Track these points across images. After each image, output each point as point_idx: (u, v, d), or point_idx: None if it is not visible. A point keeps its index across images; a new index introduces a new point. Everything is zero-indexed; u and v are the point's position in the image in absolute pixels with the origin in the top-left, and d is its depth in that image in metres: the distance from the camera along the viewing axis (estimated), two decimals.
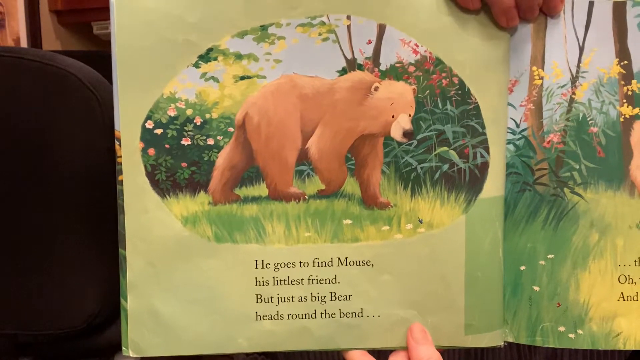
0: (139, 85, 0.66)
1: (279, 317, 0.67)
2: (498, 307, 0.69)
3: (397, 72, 0.67)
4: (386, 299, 0.68)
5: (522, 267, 0.69)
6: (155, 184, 0.67)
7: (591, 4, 0.68)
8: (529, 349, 0.82)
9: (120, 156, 0.66)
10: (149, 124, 0.66)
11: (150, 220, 0.67)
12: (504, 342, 0.70)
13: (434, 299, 0.68)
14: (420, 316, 0.68)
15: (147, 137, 0.66)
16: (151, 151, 0.66)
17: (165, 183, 0.67)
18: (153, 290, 0.67)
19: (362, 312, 0.68)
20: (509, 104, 0.69)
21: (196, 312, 0.67)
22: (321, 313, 0.67)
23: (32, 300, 0.97)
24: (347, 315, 0.68)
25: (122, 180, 0.66)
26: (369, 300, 0.68)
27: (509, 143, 0.69)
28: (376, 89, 0.67)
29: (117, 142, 0.65)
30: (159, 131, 0.67)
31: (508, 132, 0.69)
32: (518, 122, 0.69)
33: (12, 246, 0.95)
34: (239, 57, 0.67)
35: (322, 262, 0.67)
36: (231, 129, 0.67)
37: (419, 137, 0.67)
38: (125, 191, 0.66)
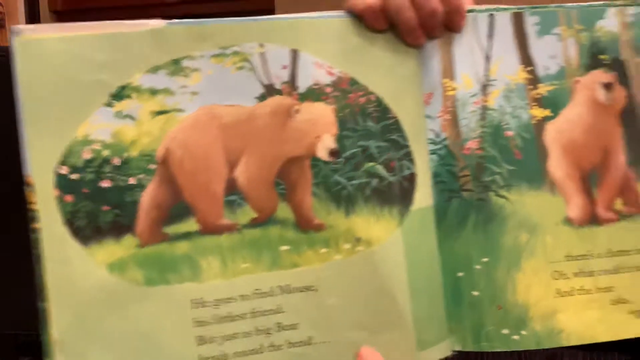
0: (48, 130, 0.49)
1: (225, 358, 0.50)
2: (442, 316, 0.54)
3: (315, 94, 0.53)
4: (334, 323, 0.52)
5: (460, 274, 0.55)
6: (76, 232, 0.49)
7: (491, 16, 0.58)
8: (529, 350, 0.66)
9: (35, 202, 0.50)
10: (64, 170, 0.49)
11: (73, 270, 0.49)
12: (453, 351, 0.58)
13: (383, 317, 0.52)
14: (371, 336, 0.52)
15: (63, 183, 0.49)
16: (68, 198, 0.50)
17: (86, 230, 0.49)
18: (84, 346, 0.48)
19: (310, 340, 0.51)
20: (427, 116, 0.56)
21: None
22: (268, 347, 0.51)
23: (32, 301, 0.74)
24: (296, 345, 0.51)
25: (38, 229, 0.50)
26: (316, 326, 0.51)
27: (432, 153, 0.56)
28: (297, 111, 0.54)
29: (29, 188, 0.49)
30: (75, 176, 0.50)
31: (429, 143, 0.56)
32: (438, 133, 0.58)
33: (12, 246, 0.73)
34: (153, 92, 0.52)
35: (263, 293, 0.51)
36: (153, 166, 0.50)
37: (345, 154, 0.53)
38: (43, 240, 0.50)
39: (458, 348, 0.55)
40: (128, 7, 2.23)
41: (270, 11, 1.60)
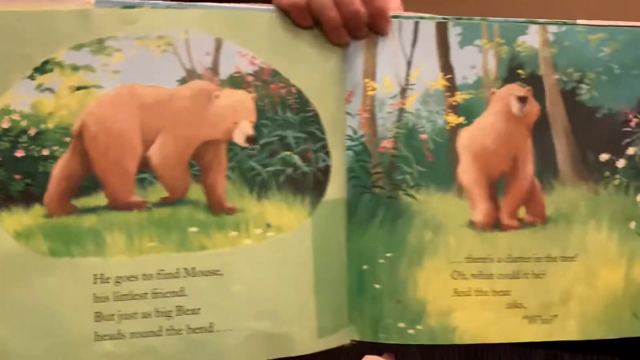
0: None
1: (121, 337, 0.46)
2: (344, 306, 0.51)
3: (236, 82, 0.49)
4: (238, 310, 0.48)
5: (365, 267, 0.52)
6: None
7: (416, 24, 0.55)
8: (529, 349, 0.63)
9: None
10: None
11: None
12: (352, 340, 0.55)
13: (287, 306, 0.49)
14: (274, 327, 0.49)
15: None
16: None
17: None
18: None
19: (212, 327, 0.47)
20: (348, 113, 0.52)
21: (31, 336, 0.45)
22: (167, 330, 0.47)
23: None
24: (196, 330, 0.47)
25: None
26: (219, 313, 0.47)
27: (348, 149, 0.52)
28: (217, 97, 0.49)
29: None
30: None
31: (347, 139, 0.52)
32: (356, 130, 0.55)
33: None
34: (75, 68, 0.47)
35: (167, 274, 0.47)
36: (67, 139, 0.46)
37: (261, 142, 0.49)
38: None
39: (357, 338, 0.52)
40: None
41: None
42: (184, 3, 0.49)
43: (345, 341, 0.52)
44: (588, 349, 0.62)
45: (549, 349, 0.61)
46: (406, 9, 0.55)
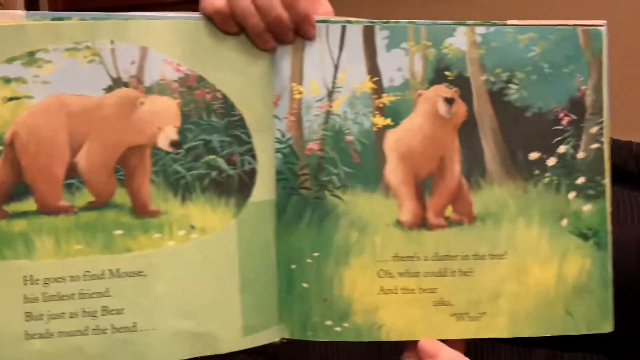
0: None
1: (49, 336, 0.44)
2: (273, 305, 0.48)
3: (161, 89, 0.46)
4: (161, 310, 0.45)
5: (293, 266, 0.49)
6: None
7: (343, 28, 0.52)
8: (529, 349, 0.58)
9: None
10: None
11: None
12: (282, 338, 0.52)
13: (211, 306, 0.46)
14: (197, 325, 0.46)
15: None
16: None
17: None
18: None
19: (135, 326, 0.45)
20: (276, 117, 0.49)
21: None
22: (93, 329, 0.45)
23: None
24: (120, 330, 0.45)
25: None
26: (142, 312, 0.45)
27: (277, 151, 0.49)
28: (142, 103, 0.47)
29: None
30: None
31: (276, 141, 0.49)
32: (284, 133, 0.52)
33: None
34: (7, 80, 0.44)
35: (93, 275, 0.45)
36: (0, 148, 0.45)
37: (186, 146, 0.46)
38: None
39: (287, 336, 0.49)
40: (128, 6, 2.17)
41: None
42: (111, 14, 0.47)
43: (275, 339, 0.49)
44: (588, 349, 0.58)
45: (549, 348, 0.57)
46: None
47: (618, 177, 0.66)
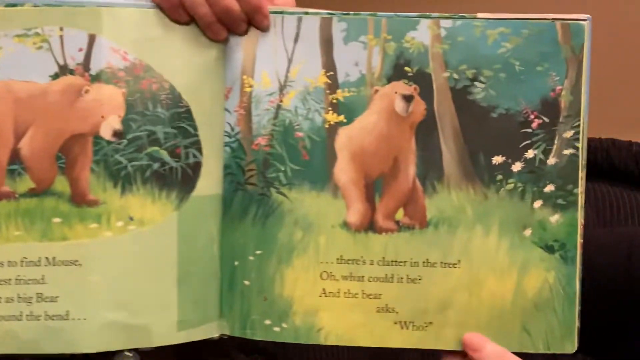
0: None
1: None
2: (213, 300, 0.44)
3: (107, 77, 0.42)
4: (94, 300, 0.42)
5: (236, 263, 0.44)
6: None
7: (300, 19, 0.47)
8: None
9: None
10: None
11: None
12: (223, 334, 0.48)
13: (146, 299, 0.42)
14: (130, 317, 0.42)
15: None
16: None
17: None
18: None
19: (67, 315, 0.41)
20: (226, 110, 0.44)
21: None
22: (27, 315, 0.41)
23: None
24: (53, 318, 0.41)
25: None
26: (75, 302, 0.42)
27: (226, 145, 0.44)
28: (86, 91, 0.43)
29: None
30: None
31: (225, 135, 0.44)
32: (233, 127, 0.48)
33: None
34: None
35: (30, 262, 0.41)
36: None
37: (129, 136, 0.42)
38: None
39: (227, 333, 0.45)
40: None
41: None
42: (62, 0, 0.43)
43: (214, 335, 0.44)
44: (588, 350, 0.52)
45: None
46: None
47: (618, 177, 0.59)
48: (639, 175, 0.58)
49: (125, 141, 0.43)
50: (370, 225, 0.44)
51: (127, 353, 0.45)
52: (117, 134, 0.42)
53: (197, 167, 0.44)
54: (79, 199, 0.42)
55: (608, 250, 0.49)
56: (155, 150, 0.43)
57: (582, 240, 0.44)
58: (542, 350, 0.43)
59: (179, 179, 0.43)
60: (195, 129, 0.44)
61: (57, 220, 0.42)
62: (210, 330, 0.44)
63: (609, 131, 0.63)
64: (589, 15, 0.44)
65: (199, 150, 0.44)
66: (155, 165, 0.43)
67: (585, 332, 0.49)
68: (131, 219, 0.42)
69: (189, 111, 0.44)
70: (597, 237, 0.51)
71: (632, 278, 0.47)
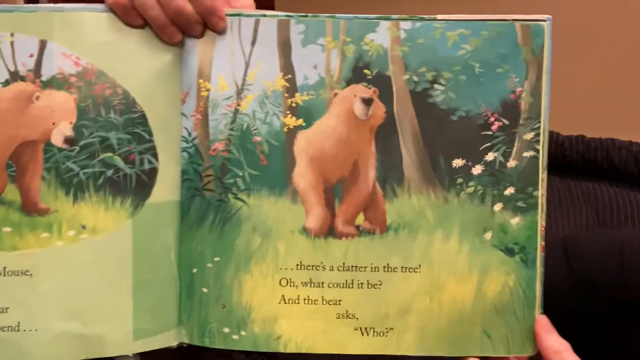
0: None
1: None
2: (170, 308, 0.43)
3: (58, 83, 0.41)
4: (45, 311, 0.41)
5: (194, 270, 0.43)
6: None
7: (257, 21, 0.46)
8: None
9: None
10: None
11: None
12: (181, 343, 0.47)
13: (100, 308, 0.41)
14: (84, 328, 0.41)
15: None
16: None
17: None
18: None
19: (19, 326, 0.40)
20: (183, 114, 0.44)
21: None
22: None
23: None
24: (4, 329, 0.40)
25: None
26: (26, 312, 0.41)
27: (183, 151, 0.43)
28: (37, 98, 0.43)
29: None
30: None
31: (182, 140, 0.43)
32: (190, 132, 0.47)
33: None
34: None
35: None
36: None
37: (81, 143, 0.41)
38: None
39: (185, 340, 0.44)
40: None
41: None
42: (13, 6, 0.42)
43: (172, 343, 0.44)
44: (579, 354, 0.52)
45: None
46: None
47: (618, 177, 0.59)
48: (639, 175, 0.58)
49: (77, 148, 0.42)
50: (329, 231, 0.43)
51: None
52: (68, 140, 0.41)
53: (152, 173, 0.43)
54: (29, 207, 0.41)
55: (600, 255, 0.49)
56: (108, 156, 0.42)
57: (543, 243, 0.44)
58: (502, 354, 0.43)
59: (133, 186, 0.42)
60: (150, 134, 0.43)
61: (7, 229, 0.41)
62: (168, 339, 0.43)
63: (609, 131, 0.62)
64: (549, 16, 0.44)
65: (155, 156, 0.43)
66: (109, 172, 0.42)
67: (578, 336, 0.49)
68: (84, 227, 0.42)
69: (143, 116, 0.43)
70: (589, 240, 0.51)
71: (624, 284, 0.47)
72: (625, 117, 1.04)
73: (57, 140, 0.42)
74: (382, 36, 0.43)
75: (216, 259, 0.43)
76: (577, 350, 0.51)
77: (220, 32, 0.43)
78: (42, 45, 0.41)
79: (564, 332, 0.50)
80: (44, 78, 0.42)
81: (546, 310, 0.44)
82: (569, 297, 0.50)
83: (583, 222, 0.57)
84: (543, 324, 0.42)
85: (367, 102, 0.43)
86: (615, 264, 0.48)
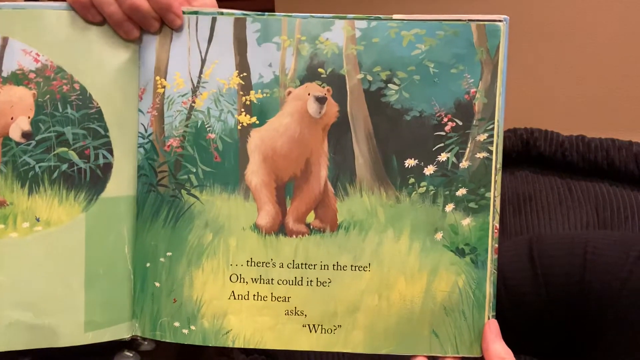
0: None
1: None
2: (124, 301, 0.44)
3: (17, 78, 0.42)
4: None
5: (148, 264, 0.44)
6: None
7: (214, 20, 0.47)
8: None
9: None
10: None
11: None
12: (134, 336, 0.48)
13: (52, 299, 0.42)
14: (36, 318, 0.42)
15: None
16: None
17: None
18: None
19: None
20: (140, 111, 0.45)
21: None
22: None
23: None
24: None
25: None
26: None
27: (139, 147, 0.44)
28: None
29: None
30: None
31: (139, 136, 0.44)
32: (146, 128, 0.48)
33: None
34: None
35: None
36: None
37: (37, 137, 0.42)
38: None
39: (138, 334, 0.45)
40: None
41: (270, 11, 1.45)
42: None
43: (124, 336, 0.45)
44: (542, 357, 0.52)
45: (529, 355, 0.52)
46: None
47: (618, 177, 0.58)
48: (639, 175, 0.58)
49: (33, 142, 0.43)
50: (280, 228, 0.44)
51: (127, 353, 0.45)
52: (25, 135, 0.42)
53: (107, 168, 0.44)
54: None
55: (562, 258, 0.49)
56: (63, 151, 0.43)
57: (496, 245, 0.44)
58: (450, 354, 0.43)
59: (87, 180, 0.43)
60: (106, 129, 0.44)
61: None
62: (120, 332, 0.44)
63: (609, 131, 0.62)
64: (506, 16, 0.44)
65: (110, 151, 0.44)
66: (64, 166, 0.43)
67: (543, 337, 0.49)
68: (38, 220, 0.43)
69: (99, 112, 0.44)
70: (552, 242, 0.50)
71: (585, 289, 0.47)
72: (626, 117, 1.03)
73: (15, 134, 0.43)
74: (337, 35, 0.44)
75: (169, 253, 0.44)
76: (542, 352, 0.51)
77: (177, 29, 0.44)
78: (4, 42, 0.43)
79: (527, 334, 0.50)
80: (4, 74, 0.43)
81: (511, 312, 0.44)
82: (534, 299, 0.49)
83: (583, 222, 0.57)
84: (493, 328, 0.43)
85: (321, 100, 0.44)
86: (577, 267, 0.48)
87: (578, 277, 0.48)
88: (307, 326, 0.43)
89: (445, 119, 0.44)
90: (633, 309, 0.45)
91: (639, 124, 1.06)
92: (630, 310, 0.45)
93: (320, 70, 0.44)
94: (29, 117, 0.43)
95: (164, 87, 0.44)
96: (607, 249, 0.47)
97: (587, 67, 1.06)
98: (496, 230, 0.44)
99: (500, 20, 0.43)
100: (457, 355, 0.43)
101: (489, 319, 0.43)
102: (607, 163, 0.59)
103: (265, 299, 0.44)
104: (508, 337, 0.43)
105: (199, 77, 0.44)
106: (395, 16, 0.44)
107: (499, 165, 0.44)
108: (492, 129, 0.44)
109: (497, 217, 0.44)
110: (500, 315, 0.44)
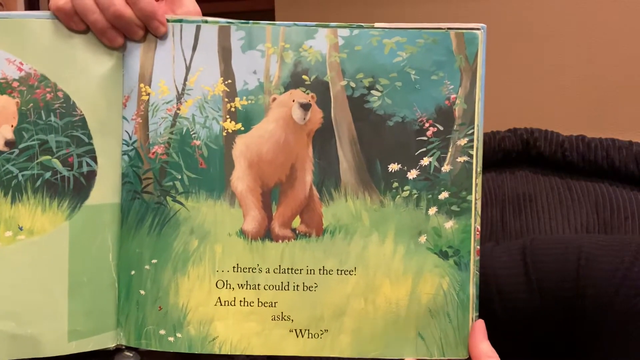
0: None
1: None
2: (108, 310, 0.44)
3: (1, 87, 0.42)
4: None
5: (133, 272, 0.43)
6: None
7: (198, 27, 0.47)
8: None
9: None
10: None
11: None
12: (118, 345, 0.48)
13: (35, 309, 0.42)
14: (18, 327, 0.42)
15: None
16: None
17: None
18: None
19: None
20: (124, 118, 0.45)
21: None
22: None
23: None
24: None
25: None
26: None
27: (124, 154, 0.44)
28: None
29: None
30: None
31: (123, 144, 0.44)
32: (131, 135, 0.48)
33: None
34: None
35: None
36: None
37: (21, 146, 0.42)
38: None
39: (123, 343, 0.45)
40: None
41: (271, 11, 1.42)
42: None
43: (108, 345, 0.44)
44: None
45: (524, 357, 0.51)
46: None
47: (618, 177, 0.59)
48: (639, 175, 0.58)
49: (17, 150, 0.43)
50: (266, 234, 0.44)
51: (127, 353, 0.44)
52: (8, 143, 0.42)
53: (91, 175, 0.44)
54: None
55: (556, 263, 0.49)
56: (47, 159, 0.43)
57: (478, 247, 0.44)
58: (437, 356, 0.44)
59: (71, 188, 0.43)
60: (90, 137, 0.44)
61: None
62: (104, 341, 0.44)
63: (609, 131, 0.63)
64: (483, 25, 0.45)
65: (94, 159, 0.44)
66: (47, 175, 0.43)
67: (536, 343, 0.49)
68: (21, 228, 0.42)
69: (83, 119, 0.44)
70: (546, 247, 0.50)
71: (580, 294, 0.47)
72: (625, 117, 1.05)
73: None
74: (320, 43, 0.45)
75: (154, 261, 0.44)
76: (537, 355, 0.51)
77: (161, 36, 0.44)
78: None
79: (522, 338, 0.50)
80: None
81: (505, 316, 0.44)
82: (528, 305, 0.49)
83: (583, 222, 0.57)
84: (480, 328, 0.43)
85: (305, 107, 0.45)
86: (571, 273, 0.48)
87: (572, 283, 0.47)
88: (294, 331, 0.44)
89: (427, 124, 0.45)
90: (627, 315, 0.45)
91: (639, 124, 1.08)
92: (624, 316, 0.45)
93: (304, 77, 0.45)
94: (12, 126, 0.43)
95: (148, 94, 0.45)
96: (601, 254, 0.47)
97: (587, 67, 1.08)
98: (478, 233, 0.45)
99: (478, 29, 0.45)
100: (443, 358, 0.44)
101: (473, 320, 0.44)
102: (607, 163, 0.59)
103: (251, 304, 0.44)
104: (503, 341, 0.43)
105: (184, 84, 0.45)
106: (376, 24, 0.45)
107: (480, 169, 0.45)
108: (472, 133, 0.45)
109: (479, 220, 0.45)
110: (494, 320, 0.44)
